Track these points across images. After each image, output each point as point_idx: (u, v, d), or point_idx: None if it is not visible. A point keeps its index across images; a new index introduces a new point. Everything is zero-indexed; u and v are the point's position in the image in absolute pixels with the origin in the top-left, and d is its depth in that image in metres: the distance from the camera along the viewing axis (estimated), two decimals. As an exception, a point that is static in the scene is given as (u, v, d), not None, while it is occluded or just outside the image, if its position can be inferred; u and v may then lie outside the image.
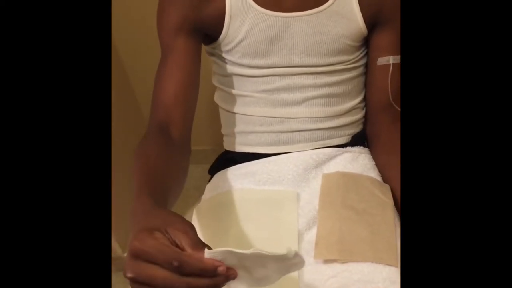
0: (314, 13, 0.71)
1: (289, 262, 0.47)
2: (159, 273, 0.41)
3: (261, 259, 0.45)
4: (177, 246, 0.44)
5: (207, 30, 0.74)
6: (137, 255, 0.42)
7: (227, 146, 0.86)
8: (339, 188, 0.71)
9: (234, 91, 0.79)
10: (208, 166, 0.88)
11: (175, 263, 0.41)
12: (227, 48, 0.75)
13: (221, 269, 0.43)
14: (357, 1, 0.72)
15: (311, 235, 0.68)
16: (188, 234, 0.45)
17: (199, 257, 0.43)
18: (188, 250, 0.43)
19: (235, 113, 0.81)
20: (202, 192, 0.86)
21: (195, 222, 0.77)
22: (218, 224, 0.73)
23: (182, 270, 0.41)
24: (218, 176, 0.82)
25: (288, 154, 0.77)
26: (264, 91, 0.76)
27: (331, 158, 0.77)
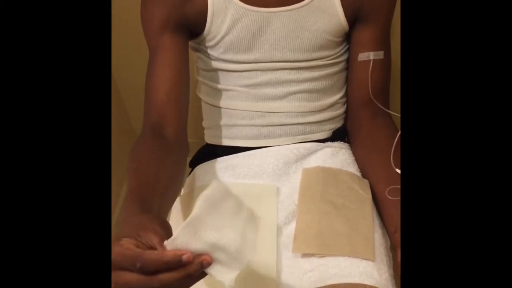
0: (295, 9, 0.71)
1: (243, 215, 0.47)
2: (132, 278, 0.42)
3: (213, 216, 0.44)
4: (150, 247, 0.44)
5: (191, 27, 0.74)
6: (112, 266, 0.42)
7: (208, 139, 0.86)
8: (318, 182, 0.72)
9: (217, 85, 0.79)
10: (190, 159, 0.88)
11: (138, 264, 0.41)
12: (211, 43, 0.74)
13: (185, 256, 0.42)
14: None
15: (290, 229, 0.69)
16: (157, 232, 0.45)
17: (160, 251, 0.43)
18: (159, 248, 0.44)
19: (217, 107, 0.81)
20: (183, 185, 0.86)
21: (174, 215, 0.77)
22: None
23: (146, 269, 0.42)
24: (198, 169, 0.82)
25: (268, 148, 0.78)
26: (247, 85, 0.77)
27: (311, 152, 0.77)
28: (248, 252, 0.48)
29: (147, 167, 0.62)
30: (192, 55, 0.82)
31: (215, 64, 0.77)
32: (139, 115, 0.74)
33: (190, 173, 0.85)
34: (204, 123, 0.87)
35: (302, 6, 0.71)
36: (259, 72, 0.76)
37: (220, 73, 0.78)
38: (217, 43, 0.74)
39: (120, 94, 1.46)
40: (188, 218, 0.43)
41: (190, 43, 0.79)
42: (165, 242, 0.43)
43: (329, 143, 0.79)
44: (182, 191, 0.83)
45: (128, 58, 1.33)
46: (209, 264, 0.44)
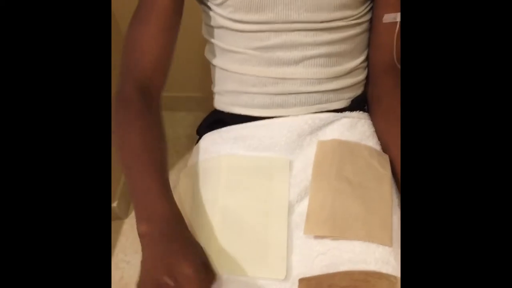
0: None
1: None
2: None
3: None
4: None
5: None
6: None
7: (217, 105, 0.82)
8: (334, 157, 0.69)
9: (225, 46, 0.74)
10: (200, 114, 0.85)
11: None
12: (217, 1, 0.69)
13: None
14: None
15: (302, 207, 0.67)
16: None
17: None
18: None
19: (226, 71, 0.77)
20: (193, 140, 0.84)
21: (180, 189, 0.75)
22: (205, 194, 0.71)
23: None
24: (206, 138, 0.79)
25: (281, 118, 0.74)
26: (258, 48, 0.72)
27: (327, 123, 0.73)
28: None
29: (147, 138, 0.64)
30: (197, 8, 0.77)
31: (223, 22, 0.72)
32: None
33: (197, 142, 0.83)
34: (213, 87, 0.83)
35: None
36: (272, 33, 0.71)
37: (229, 33, 0.73)
38: (224, 1, 0.69)
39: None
40: None
41: None
42: None
43: (347, 113, 0.75)
44: (188, 162, 0.80)
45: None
46: None
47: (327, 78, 0.73)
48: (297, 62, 0.72)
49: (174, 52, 0.73)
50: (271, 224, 0.67)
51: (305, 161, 0.71)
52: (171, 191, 0.62)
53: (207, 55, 0.81)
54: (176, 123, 1.60)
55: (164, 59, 0.70)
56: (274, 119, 0.74)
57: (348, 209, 0.63)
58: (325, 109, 0.74)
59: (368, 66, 0.78)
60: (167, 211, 0.59)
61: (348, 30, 0.72)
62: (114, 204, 1.37)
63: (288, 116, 0.74)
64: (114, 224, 1.43)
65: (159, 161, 0.63)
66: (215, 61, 0.79)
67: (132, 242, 1.40)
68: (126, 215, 1.45)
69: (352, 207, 0.64)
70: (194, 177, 0.75)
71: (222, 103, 0.80)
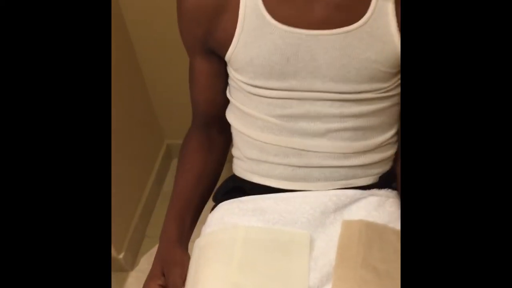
0: (341, 33, 0.64)
1: None
2: None
3: None
4: None
5: (217, 48, 0.69)
6: None
7: (236, 171, 0.80)
8: (360, 241, 0.66)
9: (246, 110, 0.73)
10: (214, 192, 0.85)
11: None
12: (236, 66, 0.69)
13: None
14: (395, 21, 0.64)
15: (324, 295, 0.63)
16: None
17: None
18: None
19: (247, 136, 0.75)
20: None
21: (192, 260, 0.72)
22: (217, 269, 0.68)
23: None
24: (222, 207, 0.76)
25: (304, 192, 0.71)
26: (280, 116, 0.70)
27: (353, 201, 0.70)
28: None
29: (190, 171, 0.80)
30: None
31: (243, 86, 0.71)
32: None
33: (212, 209, 0.80)
34: (233, 151, 0.81)
35: (350, 31, 0.64)
36: (294, 101, 0.69)
37: (250, 97, 0.71)
38: (244, 67, 0.68)
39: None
40: None
41: None
42: None
43: (374, 191, 0.72)
44: (202, 230, 0.77)
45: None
46: None
47: (353, 153, 0.71)
48: (321, 134, 0.70)
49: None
50: None
51: (327, 242, 0.68)
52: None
53: (228, 115, 0.80)
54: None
55: (214, 106, 0.79)
56: (297, 192, 0.72)
57: (375, 303, 0.60)
58: (351, 185, 0.72)
59: (398, 140, 0.75)
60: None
61: (378, 102, 0.69)
62: (120, 256, 1.34)
63: (311, 190, 0.71)
64: (118, 276, 1.40)
65: (184, 205, 0.78)
66: (235, 124, 0.77)
67: (136, 297, 1.36)
68: (132, 267, 1.41)
69: (380, 301, 0.60)
70: (206, 249, 0.72)
71: (241, 169, 0.78)
